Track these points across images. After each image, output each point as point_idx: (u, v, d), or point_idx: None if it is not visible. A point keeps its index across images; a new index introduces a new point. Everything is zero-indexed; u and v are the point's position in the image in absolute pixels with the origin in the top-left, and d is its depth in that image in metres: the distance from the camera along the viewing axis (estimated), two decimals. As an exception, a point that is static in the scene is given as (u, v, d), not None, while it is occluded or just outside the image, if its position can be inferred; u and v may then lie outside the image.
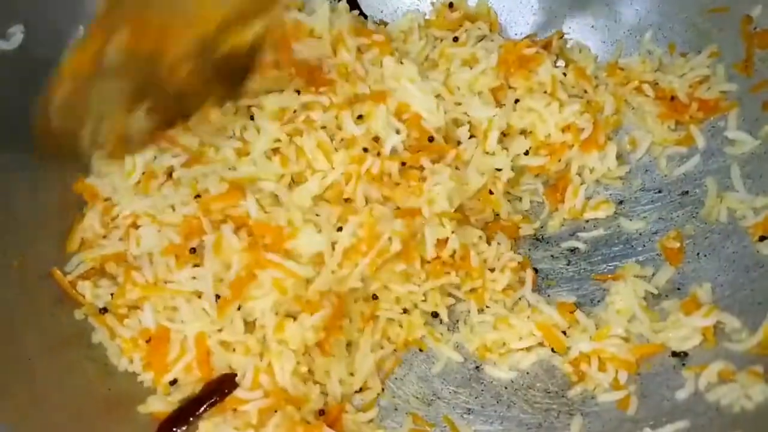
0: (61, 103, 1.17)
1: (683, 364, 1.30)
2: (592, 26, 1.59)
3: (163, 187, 1.36)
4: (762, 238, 1.33)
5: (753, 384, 1.21)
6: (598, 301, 1.41)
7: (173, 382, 1.28)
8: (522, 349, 1.38)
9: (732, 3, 1.47)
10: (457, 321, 1.42)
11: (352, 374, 1.33)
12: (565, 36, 1.59)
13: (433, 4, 1.59)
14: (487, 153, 1.41)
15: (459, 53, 1.47)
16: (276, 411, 1.22)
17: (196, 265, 1.29)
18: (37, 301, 1.31)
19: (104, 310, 1.32)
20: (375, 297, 1.35)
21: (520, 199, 1.51)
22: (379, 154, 1.36)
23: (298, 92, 1.41)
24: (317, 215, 1.30)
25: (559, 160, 1.48)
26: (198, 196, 1.32)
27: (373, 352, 1.34)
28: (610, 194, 1.51)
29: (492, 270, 1.41)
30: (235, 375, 1.26)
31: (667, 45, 1.54)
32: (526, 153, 1.45)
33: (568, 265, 1.47)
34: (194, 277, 1.28)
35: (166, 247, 1.30)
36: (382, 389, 1.36)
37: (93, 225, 1.37)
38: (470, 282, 1.40)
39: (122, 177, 1.37)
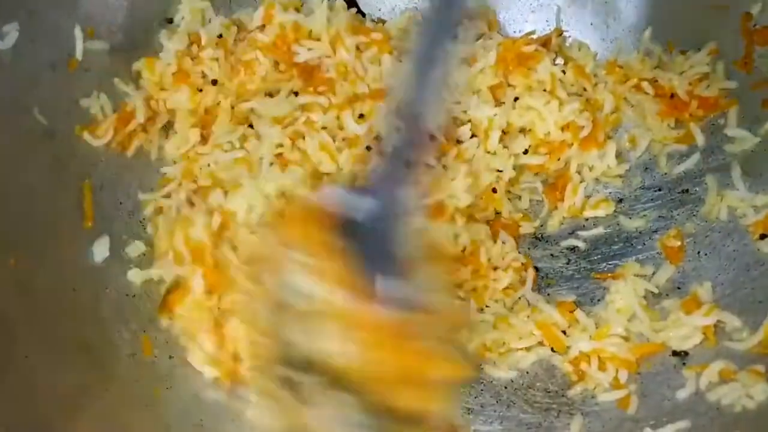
0: None
1: (684, 364, 1.30)
2: (591, 24, 1.58)
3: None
4: (762, 236, 1.33)
5: (754, 383, 1.21)
6: (598, 300, 1.40)
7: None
8: (522, 349, 1.37)
9: (732, 0, 1.46)
10: (457, 320, 1.41)
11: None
12: (564, 34, 1.58)
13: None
14: (489, 152, 1.40)
15: (457, 51, 1.45)
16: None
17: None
18: (35, 301, 1.30)
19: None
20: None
21: (520, 197, 1.50)
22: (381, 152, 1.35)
23: (296, 94, 1.40)
24: None
25: (559, 159, 1.47)
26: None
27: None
28: (610, 192, 1.51)
29: (495, 269, 1.40)
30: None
31: (667, 43, 1.53)
32: (525, 152, 1.44)
33: (567, 263, 1.46)
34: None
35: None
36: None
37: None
38: (475, 280, 1.39)
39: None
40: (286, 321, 0.98)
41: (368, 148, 1.34)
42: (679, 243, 1.40)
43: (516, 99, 1.45)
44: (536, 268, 1.44)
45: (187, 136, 1.44)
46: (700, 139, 1.46)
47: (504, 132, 1.42)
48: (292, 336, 0.97)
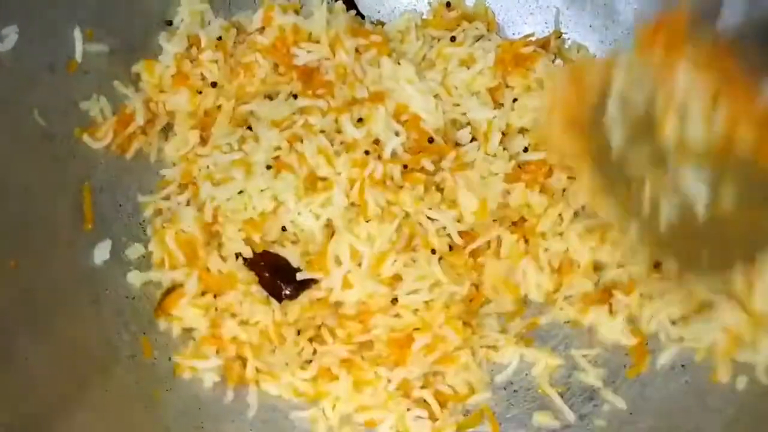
0: None
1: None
2: (590, 26, 1.58)
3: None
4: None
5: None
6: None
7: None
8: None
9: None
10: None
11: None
12: (563, 36, 1.58)
13: (430, 3, 1.57)
14: (489, 155, 1.40)
15: (456, 53, 1.45)
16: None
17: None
18: (35, 302, 1.30)
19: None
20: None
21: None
22: (380, 157, 1.35)
23: (295, 96, 1.40)
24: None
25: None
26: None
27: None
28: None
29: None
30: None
31: (665, 44, 1.53)
32: (525, 150, 1.44)
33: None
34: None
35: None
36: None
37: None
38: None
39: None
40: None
41: (366, 152, 1.35)
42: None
43: (515, 100, 1.45)
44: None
45: (186, 138, 1.44)
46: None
47: (503, 133, 1.42)
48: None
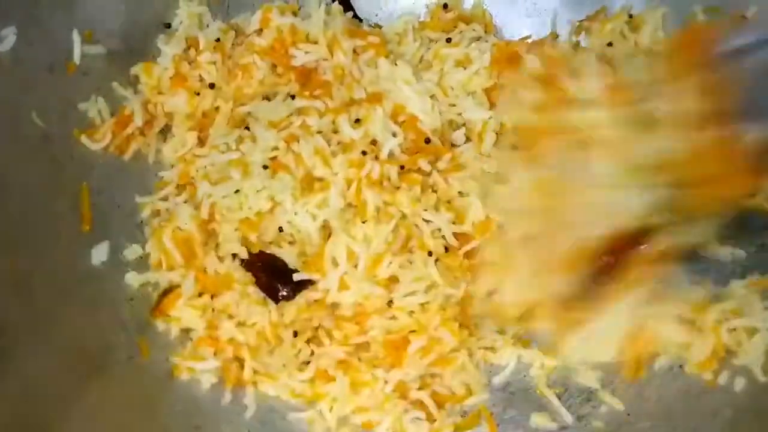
0: None
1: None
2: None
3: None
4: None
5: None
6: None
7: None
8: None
9: (724, 3, 1.46)
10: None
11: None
12: (560, 38, 1.58)
13: (427, 6, 1.58)
14: (482, 155, 1.40)
15: (452, 54, 1.46)
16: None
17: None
18: (33, 303, 1.30)
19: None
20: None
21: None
22: (377, 157, 1.35)
23: (293, 97, 1.40)
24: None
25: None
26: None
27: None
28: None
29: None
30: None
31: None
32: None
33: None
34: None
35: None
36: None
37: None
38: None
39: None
40: None
41: (363, 153, 1.35)
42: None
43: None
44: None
45: (184, 139, 1.45)
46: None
47: (497, 133, 1.42)
48: None
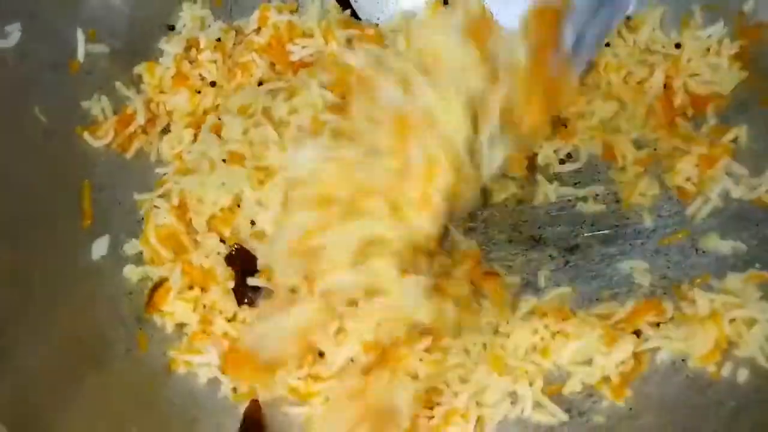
0: None
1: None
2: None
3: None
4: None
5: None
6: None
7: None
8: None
9: (722, 1, 1.47)
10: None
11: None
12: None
13: (427, 3, 1.57)
14: None
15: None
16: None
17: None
18: (32, 297, 1.31)
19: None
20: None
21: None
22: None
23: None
24: None
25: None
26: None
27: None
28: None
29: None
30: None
31: (661, 43, 1.54)
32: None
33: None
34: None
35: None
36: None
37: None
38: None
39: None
40: None
41: None
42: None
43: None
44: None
45: (180, 136, 1.46)
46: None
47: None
48: None
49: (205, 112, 1.48)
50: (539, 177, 1.46)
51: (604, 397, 1.30)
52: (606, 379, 1.30)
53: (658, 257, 1.40)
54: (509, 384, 1.29)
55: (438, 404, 1.28)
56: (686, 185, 1.43)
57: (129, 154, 1.49)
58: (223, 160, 1.36)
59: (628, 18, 1.54)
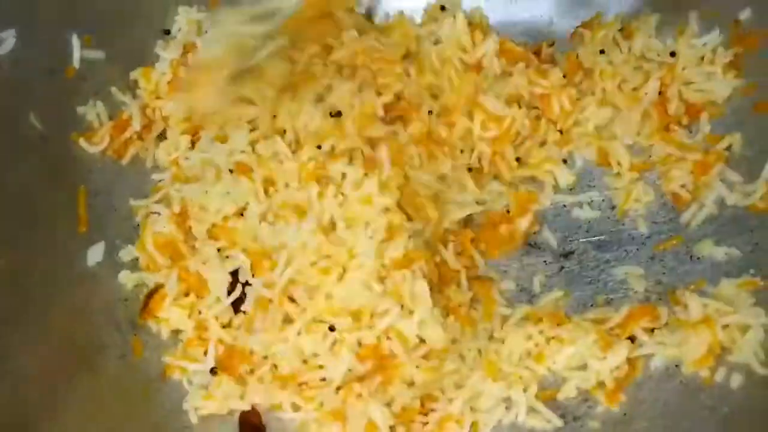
0: None
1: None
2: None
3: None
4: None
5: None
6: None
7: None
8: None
9: (721, 8, 1.48)
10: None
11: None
12: (556, 44, 1.59)
13: (425, 11, 1.59)
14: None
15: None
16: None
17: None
18: (27, 303, 1.31)
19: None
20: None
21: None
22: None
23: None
24: None
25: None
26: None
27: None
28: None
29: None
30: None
31: (657, 50, 1.54)
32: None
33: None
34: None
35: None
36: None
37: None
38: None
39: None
40: None
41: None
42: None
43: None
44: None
45: (177, 142, 1.46)
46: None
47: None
48: None
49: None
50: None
51: (598, 403, 1.30)
52: (600, 385, 1.30)
53: (653, 263, 1.40)
54: (504, 389, 1.29)
55: (432, 410, 1.28)
56: (681, 192, 1.43)
57: (125, 160, 1.49)
58: (230, 170, 1.36)
59: (621, 30, 1.55)
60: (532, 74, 1.48)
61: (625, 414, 1.29)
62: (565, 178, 1.48)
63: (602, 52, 1.53)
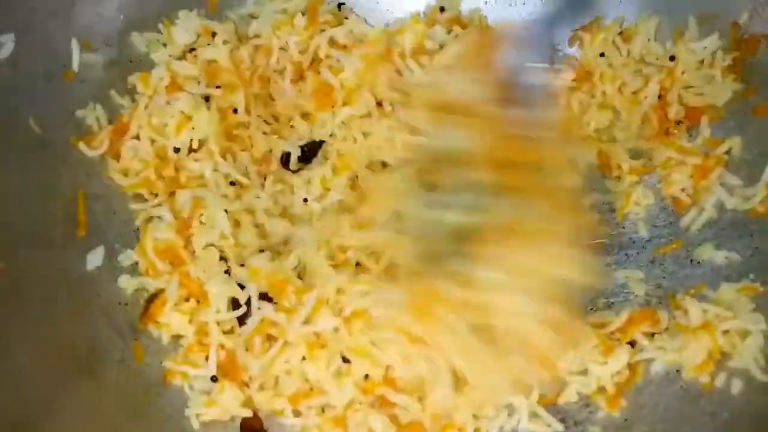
0: None
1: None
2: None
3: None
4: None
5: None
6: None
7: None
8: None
9: (716, 12, 1.48)
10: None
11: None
12: (557, 46, 1.59)
13: (424, 14, 1.58)
14: None
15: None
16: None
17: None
18: (27, 308, 1.30)
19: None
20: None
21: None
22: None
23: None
24: None
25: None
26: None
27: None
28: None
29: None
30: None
31: (656, 53, 1.54)
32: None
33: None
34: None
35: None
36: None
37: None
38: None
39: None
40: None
41: None
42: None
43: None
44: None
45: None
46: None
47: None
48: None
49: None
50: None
51: (599, 408, 1.31)
52: (601, 390, 1.31)
53: (653, 267, 1.41)
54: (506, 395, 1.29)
55: (434, 418, 1.29)
56: (681, 195, 1.44)
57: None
58: (231, 183, 1.37)
59: (621, 33, 1.54)
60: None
61: (626, 419, 1.29)
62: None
63: (602, 55, 1.53)
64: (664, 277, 1.39)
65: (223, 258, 1.36)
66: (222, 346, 1.32)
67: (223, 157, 1.42)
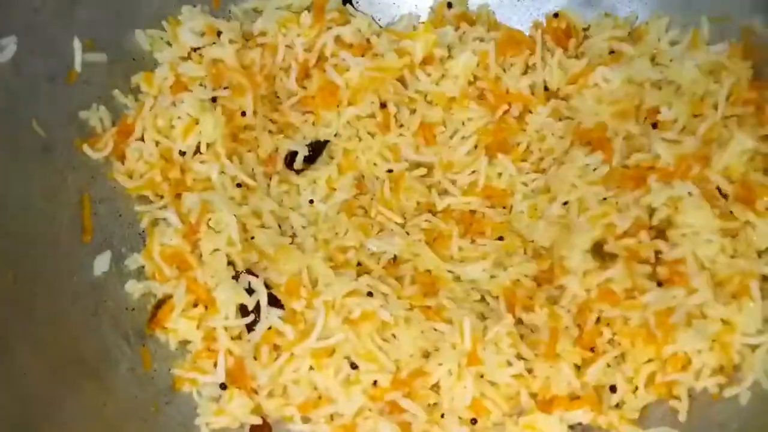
0: None
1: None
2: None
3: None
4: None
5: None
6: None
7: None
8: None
9: (727, 13, 1.45)
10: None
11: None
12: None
13: (432, 8, 1.57)
14: None
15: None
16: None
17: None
18: (33, 315, 1.29)
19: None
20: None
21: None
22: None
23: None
24: None
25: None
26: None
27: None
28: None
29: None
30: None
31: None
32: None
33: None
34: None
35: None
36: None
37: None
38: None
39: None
40: None
41: None
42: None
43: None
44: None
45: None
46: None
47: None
48: None
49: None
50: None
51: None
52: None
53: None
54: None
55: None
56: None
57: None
58: (238, 185, 1.35)
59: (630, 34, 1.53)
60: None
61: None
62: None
63: (612, 52, 1.52)
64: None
65: (230, 263, 1.36)
66: (230, 353, 1.32)
67: (230, 158, 1.40)
